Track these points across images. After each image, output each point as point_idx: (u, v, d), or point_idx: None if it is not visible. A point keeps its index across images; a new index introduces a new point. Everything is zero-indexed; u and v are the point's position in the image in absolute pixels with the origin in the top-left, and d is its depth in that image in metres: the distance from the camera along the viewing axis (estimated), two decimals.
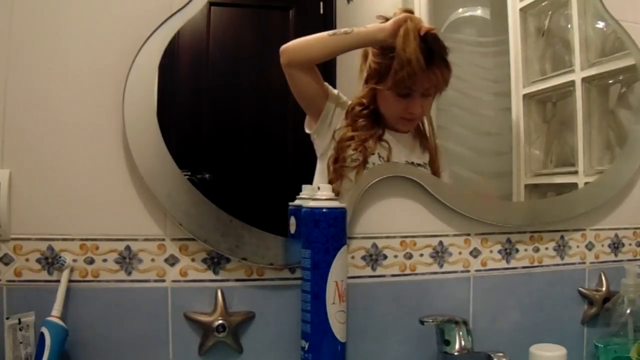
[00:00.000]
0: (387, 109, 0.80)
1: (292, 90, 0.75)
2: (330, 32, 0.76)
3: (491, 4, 0.93)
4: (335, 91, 0.78)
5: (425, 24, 0.79)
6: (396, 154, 0.81)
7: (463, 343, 0.74)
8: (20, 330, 0.67)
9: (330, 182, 0.77)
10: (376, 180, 0.81)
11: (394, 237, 0.83)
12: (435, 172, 0.85)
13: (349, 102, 0.79)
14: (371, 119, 0.80)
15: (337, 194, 0.73)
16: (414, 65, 0.75)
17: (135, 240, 0.73)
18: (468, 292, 0.87)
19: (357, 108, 0.79)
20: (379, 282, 0.82)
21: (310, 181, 0.78)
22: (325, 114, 0.78)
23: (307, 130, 0.78)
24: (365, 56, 0.80)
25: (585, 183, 0.94)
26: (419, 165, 0.83)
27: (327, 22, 0.79)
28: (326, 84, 0.78)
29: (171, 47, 0.73)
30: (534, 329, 0.88)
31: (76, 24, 0.72)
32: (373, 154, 0.80)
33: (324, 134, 0.78)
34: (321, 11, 0.80)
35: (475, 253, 0.88)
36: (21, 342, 0.66)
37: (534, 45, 0.94)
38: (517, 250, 0.90)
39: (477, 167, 0.90)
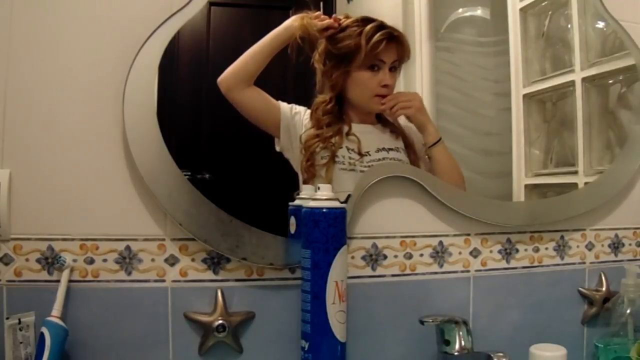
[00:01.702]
0: (360, 90, 0.81)
1: (244, 115, 0.76)
2: None
3: (491, 4, 0.93)
4: (287, 104, 0.79)
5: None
6: (366, 144, 0.81)
7: (463, 343, 0.74)
8: (20, 330, 0.66)
9: (304, 182, 0.78)
10: (376, 180, 0.81)
11: (394, 237, 0.83)
12: (414, 157, 0.85)
13: (308, 109, 0.80)
14: (335, 116, 0.80)
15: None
16: (379, 35, 0.78)
17: (135, 240, 0.73)
18: (468, 292, 0.87)
19: (322, 106, 0.80)
20: (379, 282, 0.82)
21: None
22: (285, 127, 0.79)
23: (277, 149, 0.79)
24: (314, 66, 0.80)
25: (585, 183, 0.94)
26: (390, 149, 0.83)
27: None
28: (277, 101, 0.79)
29: (171, 47, 0.73)
30: (534, 329, 0.88)
31: (76, 24, 0.72)
32: (341, 147, 0.80)
33: (291, 146, 0.79)
34: (321, 11, 0.80)
35: (475, 253, 0.88)
36: (21, 342, 0.66)
37: (534, 45, 0.94)
38: (517, 250, 0.90)
39: (477, 167, 0.90)
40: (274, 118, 0.78)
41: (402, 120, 0.85)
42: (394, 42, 0.80)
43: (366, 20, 0.79)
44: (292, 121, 0.79)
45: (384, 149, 0.83)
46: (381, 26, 0.79)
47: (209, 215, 0.73)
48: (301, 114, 0.80)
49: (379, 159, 0.82)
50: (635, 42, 0.96)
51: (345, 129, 0.81)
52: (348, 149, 0.81)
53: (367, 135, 0.82)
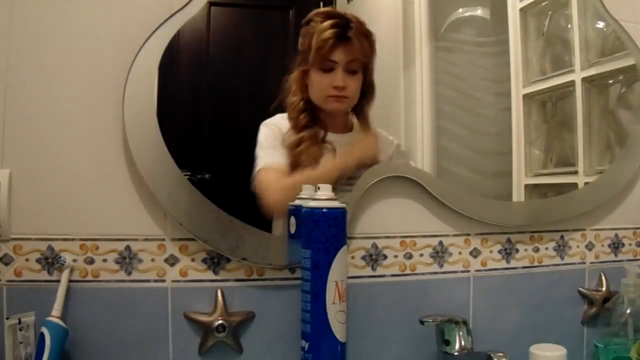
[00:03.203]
0: (316, 90, 0.79)
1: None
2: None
3: (491, 4, 0.93)
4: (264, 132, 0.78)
5: None
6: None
7: (463, 343, 0.74)
8: (20, 330, 0.66)
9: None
10: (376, 180, 0.81)
11: (394, 237, 0.83)
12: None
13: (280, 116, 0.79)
14: (310, 115, 0.79)
15: None
16: (327, 34, 0.76)
17: (135, 240, 0.73)
18: (468, 292, 0.87)
19: (294, 105, 0.78)
20: (379, 282, 0.82)
21: None
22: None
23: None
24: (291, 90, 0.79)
25: (585, 183, 0.94)
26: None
27: None
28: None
29: (171, 47, 0.73)
30: (534, 329, 0.88)
31: (76, 24, 0.72)
32: (321, 156, 0.79)
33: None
34: None
35: (475, 253, 0.88)
36: (21, 342, 0.66)
37: (534, 45, 0.94)
38: (517, 250, 0.90)
39: (477, 167, 0.90)
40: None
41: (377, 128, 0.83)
42: (345, 42, 0.77)
43: (328, 15, 0.77)
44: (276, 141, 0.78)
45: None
46: (336, 24, 0.77)
47: (209, 215, 0.73)
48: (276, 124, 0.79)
49: (359, 176, 0.80)
50: (635, 42, 0.96)
51: (321, 134, 0.79)
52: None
53: (343, 143, 0.81)
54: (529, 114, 0.92)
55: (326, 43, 0.76)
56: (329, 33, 0.76)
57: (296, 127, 0.78)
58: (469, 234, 0.88)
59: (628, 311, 0.85)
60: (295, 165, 0.78)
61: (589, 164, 0.94)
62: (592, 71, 0.95)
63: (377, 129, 0.83)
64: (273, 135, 0.78)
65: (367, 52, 0.79)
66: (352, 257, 0.81)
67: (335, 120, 0.81)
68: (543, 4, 0.95)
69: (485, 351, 0.75)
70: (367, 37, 0.79)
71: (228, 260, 0.76)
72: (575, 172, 0.94)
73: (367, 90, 0.81)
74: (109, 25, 0.73)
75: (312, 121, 0.79)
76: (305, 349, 0.69)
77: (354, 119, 0.82)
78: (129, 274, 0.73)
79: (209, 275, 0.75)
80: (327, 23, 0.77)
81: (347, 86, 0.79)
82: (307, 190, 0.75)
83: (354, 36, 0.78)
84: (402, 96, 0.84)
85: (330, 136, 0.80)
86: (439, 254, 0.86)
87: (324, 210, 0.69)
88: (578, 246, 0.94)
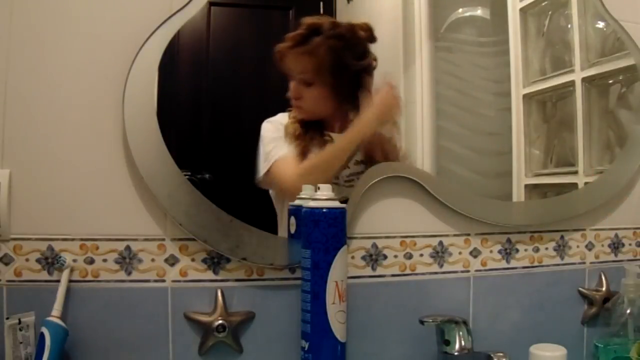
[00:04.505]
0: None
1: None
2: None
3: (491, 4, 0.93)
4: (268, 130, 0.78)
5: None
6: None
7: (463, 343, 0.74)
8: (20, 330, 0.66)
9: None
10: (376, 180, 0.81)
11: (394, 237, 0.83)
12: None
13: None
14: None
15: None
16: (283, 44, 0.77)
17: (135, 240, 0.73)
18: (468, 292, 0.87)
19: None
20: (379, 282, 0.82)
21: None
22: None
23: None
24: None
25: (585, 183, 0.94)
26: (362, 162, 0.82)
27: None
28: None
29: (171, 47, 0.73)
30: (534, 329, 0.88)
31: (76, 24, 0.72)
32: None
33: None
34: (321, 11, 0.80)
35: (475, 253, 0.88)
36: (21, 342, 0.66)
37: (534, 45, 0.94)
38: (517, 250, 0.90)
39: (477, 167, 0.90)
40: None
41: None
42: (294, 53, 0.77)
43: (300, 24, 0.77)
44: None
45: (362, 161, 0.81)
46: (298, 35, 0.77)
47: (209, 215, 0.73)
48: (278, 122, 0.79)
49: (359, 172, 0.81)
50: (635, 42, 0.96)
51: (322, 124, 0.80)
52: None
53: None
54: (529, 114, 0.92)
55: (277, 54, 0.77)
56: (283, 44, 0.77)
57: (294, 119, 0.79)
58: (469, 234, 0.88)
59: (628, 311, 0.85)
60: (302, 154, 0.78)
61: (589, 164, 0.94)
62: (592, 71, 0.95)
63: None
64: (277, 129, 0.78)
65: (305, 69, 0.78)
66: (352, 257, 0.81)
67: (333, 121, 0.81)
68: (543, 4, 0.95)
69: (485, 351, 0.75)
70: (330, 47, 0.78)
71: (228, 260, 0.76)
72: (575, 172, 0.94)
73: (352, 95, 0.80)
74: (109, 25, 0.73)
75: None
76: (305, 349, 0.69)
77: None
78: (129, 274, 0.73)
79: (209, 275, 0.75)
80: (291, 34, 0.77)
81: (302, 97, 0.79)
82: (307, 190, 0.75)
83: (309, 48, 0.77)
84: (402, 96, 0.84)
85: (330, 136, 0.80)
86: (439, 254, 0.86)
87: (324, 210, 0.69)
88: (578, 246, 0.94)
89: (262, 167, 0.77)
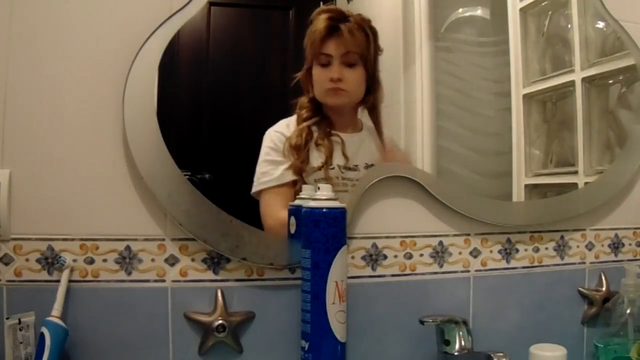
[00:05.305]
0: (317, 86, 0.78)
1: None
2: None
3: (491, 4, 0.93)
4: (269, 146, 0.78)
5: None
6: (354, 156, 0.80)
7: (463, 343, 0.74)
8: (20, 330, 0.66)
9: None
10: (376, 180, 0.81)
11: (394, 237, 0.83)
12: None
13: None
14: (312, 110, 0.78)
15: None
16: (319, 28, 0.76)
17: (135, 240, 0.73)
18: (468, 292, 0.87)
19: (303, 100, 0.78)
20: (379, 282, 0.82)
21: None
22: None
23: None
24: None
25: (585, 183, 0.94)
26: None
27: None
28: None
29: (171, 47, 0.73)
30: (534, 329, 0.88)
31: (76, 24, 0.72)
32: (331, 149, 0.79)
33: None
34: None
35: (475, 253, 0.88)
36: (21, 342, 0.66)
37: (534, 45, 0.94)
38: (517, 250, 0.90)
39: (477, 167, 0.90)
40: None
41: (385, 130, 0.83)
42: (337, 34, 0.77)
43: (328, 12, 0.77)
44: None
45: (372, 165, 0.81)
46: (330, 17, 0.77)
47: (209, 215, 0.73)
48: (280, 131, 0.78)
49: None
50: (635, 42, 0.95)
51: (327, 124, 0.79)
52: (339, 167, 0.79)
53: (355, 144, 0.80)
54: (529, 114, 0.92)
55: (317, 36, 0.76)
56: (321, 26, 0.76)
57: (299, 119, 0.78)
58: (469, 234, 0.88)
59: (628, 311, 0.85)
60: (302, 164, 0.77)
61: (589, 164, 0.94)
62: (592, 71, 0.95)
63: (388, 132, 0.83)
64: (276, 145, 0.77)
65: (363, 45, 0.79)
66: (352, 257, 0.81)
67: (343, 120, 0.81)
68: (543, 4, 0.95)
69: (485, 351, 0.75)
70: (363, 30, 0.79)
71: (228, 260, 0.76)
72: (575, 172, 0.94)
73: (373, 86, 0.80)
74: (109, 25, 0.73)
75: (315, 116, 0.78)
76: (305, 349, 0.69)
77: (364, 119, 0.82)
78: (129, 274, 0.73)
79: (209, 275, 0.75)
80: (322, 17, 0.77)
81: (344, 78, 0.78)
82: (307, 190, 0.75)
83: (347, 29, 0.77)
84: (402, 96, 0.84)
85: (339, 135, 0.80)
86: (439, 254, 0.86)
87: (324, 210, 0.69)
88: (578, 246, 0.94)
89: (253, 186, 0.76)
